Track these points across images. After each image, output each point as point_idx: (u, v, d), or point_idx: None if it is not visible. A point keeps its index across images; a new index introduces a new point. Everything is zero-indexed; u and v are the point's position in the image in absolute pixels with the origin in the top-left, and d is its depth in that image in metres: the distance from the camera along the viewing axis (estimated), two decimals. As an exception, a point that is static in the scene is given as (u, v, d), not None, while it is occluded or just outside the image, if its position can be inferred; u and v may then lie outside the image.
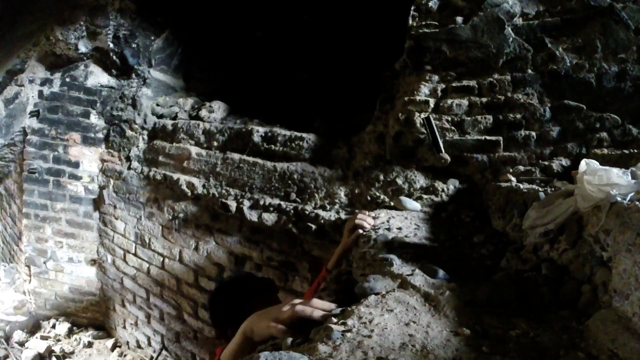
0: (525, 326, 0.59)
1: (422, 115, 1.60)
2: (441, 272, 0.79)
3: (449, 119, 1.58)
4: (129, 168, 2.72)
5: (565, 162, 1.41)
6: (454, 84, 1.58)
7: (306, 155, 2.02)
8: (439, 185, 1.59)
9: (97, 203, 2.90)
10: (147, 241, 2.64)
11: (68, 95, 2.79)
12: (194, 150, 2.39)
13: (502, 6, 1.46)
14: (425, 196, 1.57)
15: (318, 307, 0.68)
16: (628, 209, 0.63)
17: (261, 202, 2.01)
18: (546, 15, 1.44)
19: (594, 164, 0.80)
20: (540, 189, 1.16)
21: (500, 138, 1.50)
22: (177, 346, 2.59)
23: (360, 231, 1.21)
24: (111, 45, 2.72)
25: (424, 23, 1.60)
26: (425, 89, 1.61)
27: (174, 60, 3.06)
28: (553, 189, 1.10)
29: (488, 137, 1.52)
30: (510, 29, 1.46)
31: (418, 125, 1.61)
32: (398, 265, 0.86)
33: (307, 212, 1.84)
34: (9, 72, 2.68)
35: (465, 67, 1.56)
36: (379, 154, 1.76)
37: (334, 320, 0.62)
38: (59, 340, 2.93)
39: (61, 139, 2.81)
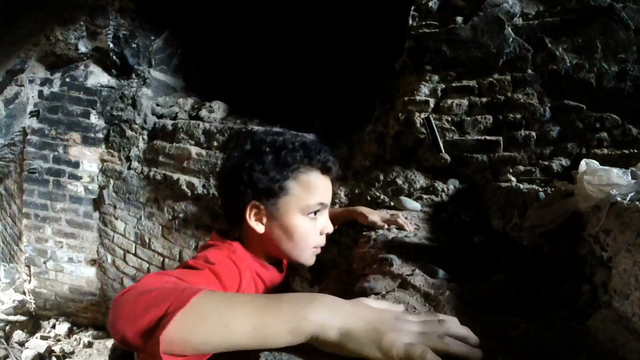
0: (525, 326, 0.59)
1: (422, 115, 1.60)
2: (441, 272, 0.79)
3: (449, 119, 1.58)
4: (129, 168, 2.72)
5: (565, 162, 1.41)
6: (454, 84, 1.58)
7: (306, 155, 2.01)
8: (439, 185, 1.59)
9: (97, 203, 2.90)
10: (147, 241, 2.64)
11: (68, 95, 2.79)
12: (194, 150, 2.39)
13: (502, 6, 1.46)
14: (425, 196, 1.57)
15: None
16: (628, 209, 0.63)
17: (261, 202, 2.01)
18: (546, 15, 1.44)
19: (594, 164, 0.80)
20: (540, 189, 1.16)
21: (500, 138, 1.50)
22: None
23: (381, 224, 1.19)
24: (111, 45, 2.72)
25: (424, 23, 1.60)
26: (425, 89, 1.62)
27: (174, 60, 3.06)
28: (553, 189, 1.10)
29: (488, 137, 1.52)
30: (510, 29, 1.46)
31: (418, 125, 1.61)
32: (398, 265, 0.86)
33: (307, 212, 1.84)
34: (9, 72, 2.68)
35: (465, 67, 1.56)
36: (379, 154, 1.76)
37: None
38: (59, 340, 2.93)
39: (61, 139, 2.82)
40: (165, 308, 0.44)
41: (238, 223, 0.84)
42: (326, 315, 0.46)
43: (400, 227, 1.18)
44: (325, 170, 0.83)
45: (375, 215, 1.24)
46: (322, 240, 0.86)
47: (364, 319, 0.46)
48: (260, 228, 0.81)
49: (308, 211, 0.81)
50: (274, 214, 0.81)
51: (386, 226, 1.20)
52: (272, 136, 0.83)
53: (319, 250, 0.88)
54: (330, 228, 0.87)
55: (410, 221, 1.30)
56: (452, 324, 0.50)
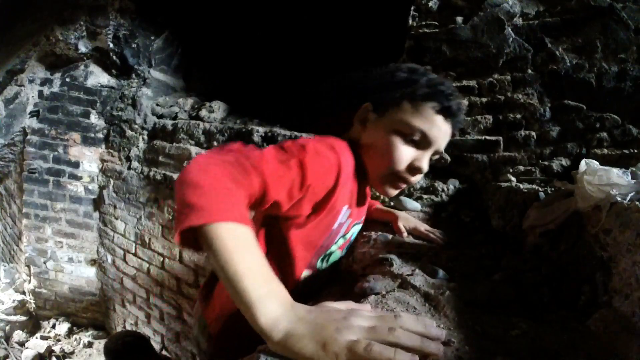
0: (525, 326, 0.59)
1: (422, 115, 1.60)
2: (441, 272, 0.79)
3: (449, 119, 1.58)
4: (129, 168, 2.72)
5: (565, 162, 1.41)
6: (454, 84, 1.58)
7: (306, 155, 2.01)
8: (439, 185, 1.59)
9: (97, 203, 2.90)
10: (147, 241, 2.64)
11: (68, 95, 2.79)
12: (194, 150, 2.39)
13: (502, 6, 1.46)
14: (425, 196, 1.57)
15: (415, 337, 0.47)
16: (628, 209, 0.63)
17: (261, 202, 2.01)
18: (546, 15, 1.44)
19: (594, 164, 0.80)
20: (540, 189, 1.17)
21: (500, 138, 1.50)
22: (177, 346, 2.59)
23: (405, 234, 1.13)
24: (111, 45, 2.72)
25: (424, 23, 1.60)
26: (425, 89, 1.61)
27: (174, 60, 3.06)
28: (553, 189, 1.10)
29: (488, 137, 1.52)
30: (510, 29, 1.46)
31: (418, 125, 1.61)
32: (398, 265, 0.86)
33: (307, 212, 1.83)
34: (9, 72, 2.68)
35: (465, 67, 1.56)
36: (379, 154, 1.76)
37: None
38: (59, 340, 2.94)
39: (61, 139, 2.82)
40: (191, 221, 0.50)
41: (348, 124, 0.88)
42: (274, 317, 0.48)
43: (433, 241, 1.11)
44: (446, 113, 0.81)
45: (403, 223, 1.17)
46: (407, 175, 0.84)
47: (310, 321, 0.48)
48: (361, 129, 0.86)
49: (406, 131, 0.80)
50: (378, 122, 0.84)
51: (405, 234, 1.14)
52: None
53: (401, 186, 0.87)
54: (421, 167, 0.83)
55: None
56: (409, 319, 0.50)
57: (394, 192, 0.88)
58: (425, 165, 0.83)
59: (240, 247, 0.51)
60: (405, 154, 0.82)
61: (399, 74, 0.83)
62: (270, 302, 0.49)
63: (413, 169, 0.83)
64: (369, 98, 0.85)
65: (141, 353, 1.67)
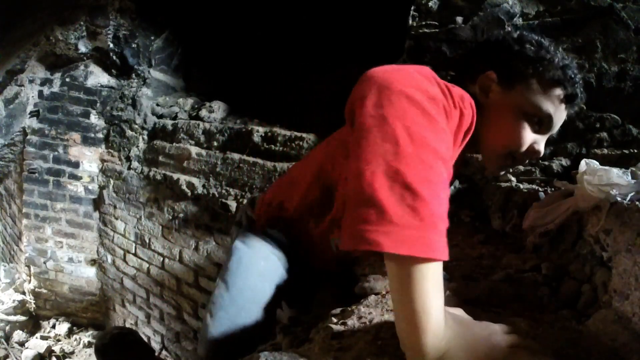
0: (525, 326, 0.59)
1: (422, 115, 1.59)
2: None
3: (449, 119, 1.57)
4: (129, 168, 2.72)
5: (565, 162, 1.41)
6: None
7: (306, 155, 2.02)
8: (439, 185, 1.59)
9: (97, 203, 2.90)
10: (147, 241, 2.64)
11: (68, 95, 2.79)
12: (194, 150, 2.39)
13: (502, 6, 1.46)
14: (425, 196, 1.57)
15: None
16: (628, 209, 0.63)
17: (261, 202, 2.01)
18: (546, 15, 1.44)
19: (594, 164, 0.80)
20: (540, 189, 1.17)
21: (500, 138, 1.50)
22: (177, 346, 2.59)
23: None
24: (111, 45, 2.72)
25: (424, 23, 1.60)
26: (425, 89, 1.61)
27: (174, 60, 3.06)
28: (553, 189, 1.10)
29: (488, 137, 1.52)
30: (510, 29, 1.46)
31: (418, 125, 1.60)
32: (398, 265, 0.86)
33: (307, 212, 1.83)
34: (9, 72, 2.68)
35: (465, 67, 1.55)
36: (379, 154, 1.76)
37: (334, 320, 0.62)
38: (59, 340, 2.94)
39: (61, 139, 2.82)
40: (378, 237, 0.43)
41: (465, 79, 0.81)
42: (440, 337, 0.45)
43: None
44: (569, 100, 0.77)
45: None
46: (523, 157, 0.79)
47: (462, 338, 0.46)
48: (482, 97, 0.78)
49: (534, 114, 0.75)
50: (504, 96, 0.77)
51: None
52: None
53: (511, 166, 0.83)
54: (539, 150, 0.78)
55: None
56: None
57: (500, 171, 0.85)
58: (542, 149, 0.79)
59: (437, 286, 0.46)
60: (528, 137, 0.77)
61: (528, 47, 0.76)
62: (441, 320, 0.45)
63: (531, 152, 0.79)
64: (492, 65, 0.78)
65: (130, 346, 1.68)
